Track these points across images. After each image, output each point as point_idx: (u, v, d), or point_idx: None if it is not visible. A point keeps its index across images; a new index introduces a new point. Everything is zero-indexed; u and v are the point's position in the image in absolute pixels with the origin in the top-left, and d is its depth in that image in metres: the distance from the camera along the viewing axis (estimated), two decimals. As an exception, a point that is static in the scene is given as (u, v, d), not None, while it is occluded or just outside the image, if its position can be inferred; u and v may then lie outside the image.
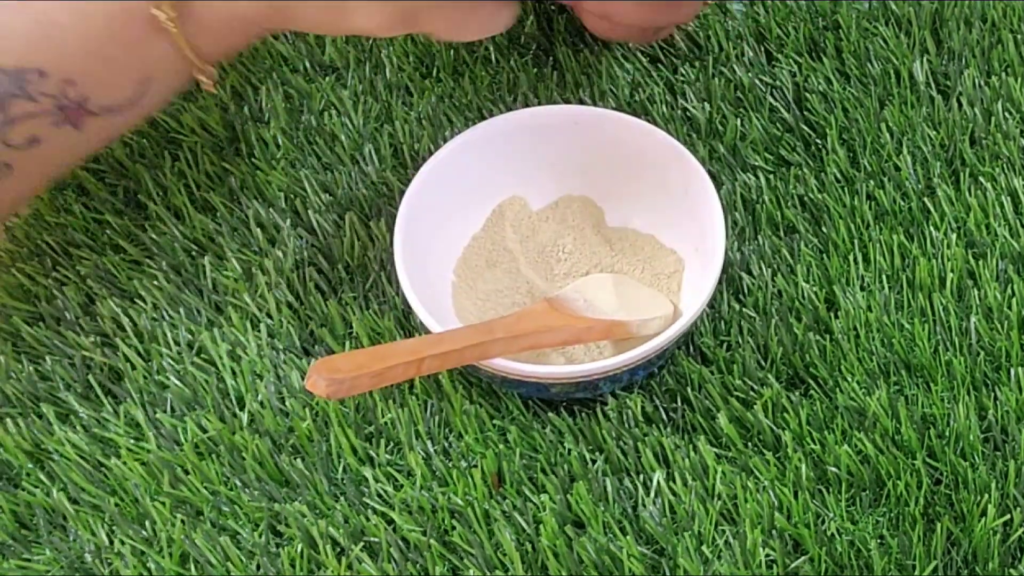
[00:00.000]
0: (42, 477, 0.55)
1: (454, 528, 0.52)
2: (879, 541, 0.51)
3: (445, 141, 0.58)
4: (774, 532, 0.50)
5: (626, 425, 0.54)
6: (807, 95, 0.64)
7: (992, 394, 0.54)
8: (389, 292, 0.58)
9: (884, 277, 0.57)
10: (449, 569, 0.51)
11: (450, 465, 0.53)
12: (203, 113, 0.66)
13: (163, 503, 0.53)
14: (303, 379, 0.56)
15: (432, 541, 0.51)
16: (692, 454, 0.52)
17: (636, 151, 0.58)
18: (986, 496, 0.50)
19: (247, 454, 0.54)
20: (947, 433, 0.52)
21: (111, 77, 0.52)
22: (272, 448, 0.54)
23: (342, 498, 0.53)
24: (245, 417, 0.55)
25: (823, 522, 0.51)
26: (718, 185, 0.56)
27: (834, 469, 0.52)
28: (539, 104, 0.64)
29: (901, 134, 0.62)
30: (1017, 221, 0.59)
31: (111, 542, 0.53)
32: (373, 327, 0.57)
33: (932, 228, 0.59)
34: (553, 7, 0.68)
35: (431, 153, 0.58)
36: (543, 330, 0.52)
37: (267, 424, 0.55)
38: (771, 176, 0.61)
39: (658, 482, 0.52)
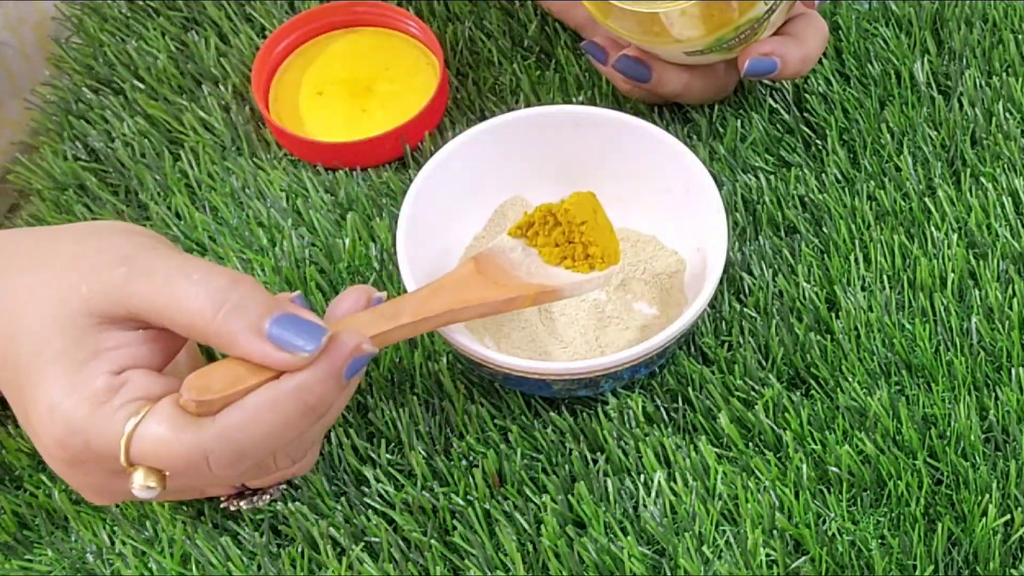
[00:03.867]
0: (43, 478, 0.55)
1: (455, 528, 0.52)
2: (880, 541, 0.51)
3: (447, 141, 0.58)
4: (775, 532, 0.50)
5: (627, 425, 0.54)
6: (807, 96, 0.64)
7: (993, 394, 0.54)
8: (390, 291, 0.58)
9: (885, 277, 0.57)
10: (450, 569, 0.51)
11: (451, 465, 0.53)
12: (205, 113, 0.66)
13: (164, 504, 0.53)
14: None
15: (433, 541, 0.51)
16: (693, 454, 0.52)
17: (637, 151, 0.58)
18: (987, 496, 0.50)
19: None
20: (948, 433, 0.52)
21: None
22: (273, 448, 0.54)
23: (343, 498, 0.53)
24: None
25: (824, 522, 0.51)
26: (718, 185, 0.56)
27: (835, 469, 0.52)
28: (541, 105, 0.64)
29: (902, 134, 0.62)
30: (1018, 221, 0.59)
31: (112, 543, 0.53)
32: (374, 327, 0.57)
33: (933, 228, 0.59)
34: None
35: (433, 153, 0.58)
36: (457, 308, 0.49)
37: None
38: (772, 177, 0.61)
39: (659, 482, 0.52)
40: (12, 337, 0.45)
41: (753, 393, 0.54)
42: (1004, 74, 0.64)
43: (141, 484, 0.44)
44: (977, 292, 0.56)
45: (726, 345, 0.56)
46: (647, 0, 0.55)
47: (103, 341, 0.44)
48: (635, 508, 0.52)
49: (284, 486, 0.53)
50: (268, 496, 0.52)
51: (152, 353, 0.46)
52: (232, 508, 0.52)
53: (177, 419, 0.43)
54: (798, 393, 0.54)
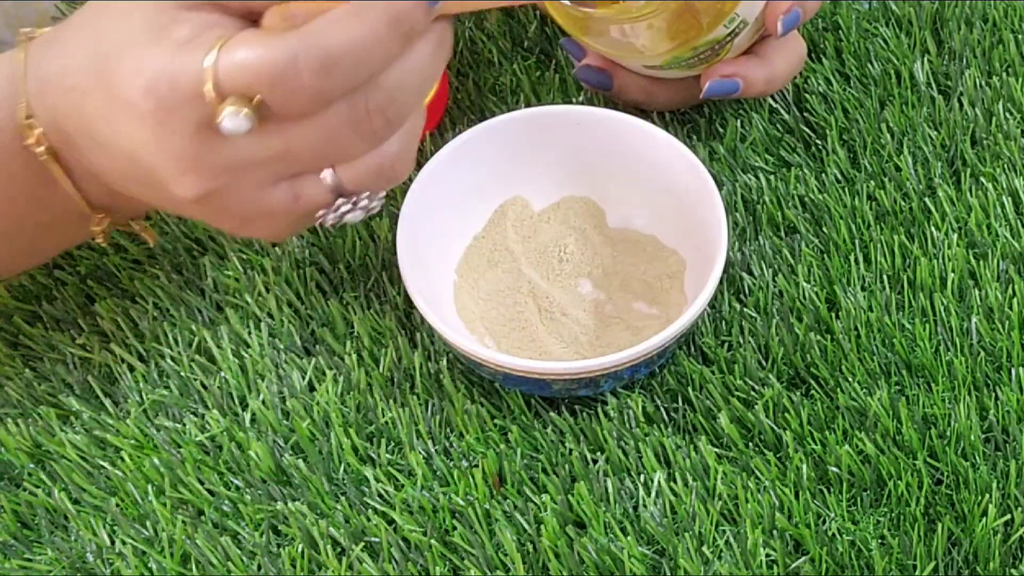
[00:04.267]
0: (43, 477, 0.55)
1: (455, 528, 0.52)
2: (880, 541, 0.51)
3: (447, 141, 0.58)
4: (775, 532, 0.50)
5: (627, 425, 0.54)
6: (807, 96, 0.64)
7: (993, 394, 0.54)
8: (390, 292, 0.58)
9: (885, 277, 0.57)
10: (450, 569, 0.51)
11: (451, 465, 0.53)
12: (204, 113, 0.66)
13: (164, 503, 0.53)
14: (304, 379, 0.56)
15: (433, 541, 0.51)
16: (693, 454, 0.53)
17: (637, 152, 0.58)
18: (987, 496, 0.50)
19: (248, 454, 0.54)
20: (948, 433, 0.52)
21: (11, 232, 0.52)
22: (273, 448, 0.54)
23: (343, 498, 0.53)
24: (246, 417, 0.55)
25: (824, 522, 0.51)
26: (718, 186, 0.56)
27: (835, 469, 0.52)
28: (541, 105, 0.64)
29: (902, 134, 0.62)
30: (1018, 221, 0.59)
31: (112, 542, 0.53)
32: (374, 326, 0.57)
33: (933, 228, 0.59)
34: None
35: (433, 153, 0.58)
36: None
37: (268, 424, 0.55)
38: (772, 177, 0.61)
39: (659, 482, 0.52)
40: (98, 35, 0.45)
41: (753, 393, 0.54)
42: (1004, 74, 0.64)
43: (231, 111, 0.42)
44: (977, 292, 0.56)
45: (726, 345, 0.56)
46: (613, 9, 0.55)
47: (184, 12, 0.44)
48: (635, 508, 0.52)
49: (382, 195, 0.48)
50: (365, 202, 0.48)
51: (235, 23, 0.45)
52: (331, 221, 0.48)
53: (262, 33, 0.43)
54: (798, 393, 0.55)
